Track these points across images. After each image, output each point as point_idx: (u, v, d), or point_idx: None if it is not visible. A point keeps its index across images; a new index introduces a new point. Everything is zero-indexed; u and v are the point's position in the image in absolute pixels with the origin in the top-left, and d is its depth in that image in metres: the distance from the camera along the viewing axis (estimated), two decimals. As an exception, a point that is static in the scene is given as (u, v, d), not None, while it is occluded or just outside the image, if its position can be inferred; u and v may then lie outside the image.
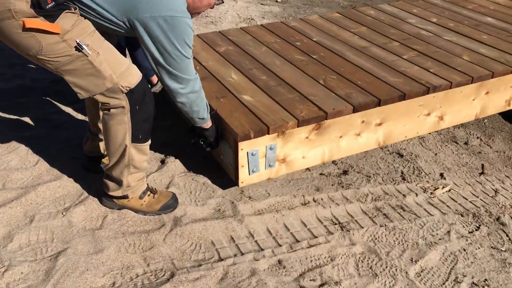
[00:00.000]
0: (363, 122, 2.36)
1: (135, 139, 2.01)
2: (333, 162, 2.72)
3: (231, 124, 2.13)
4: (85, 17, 1.83)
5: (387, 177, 2.62)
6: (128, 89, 1.90)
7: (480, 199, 2.56)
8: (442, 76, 2.51)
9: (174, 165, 2.56)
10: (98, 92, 1.87)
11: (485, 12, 3.36)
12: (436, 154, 2.88)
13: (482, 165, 2.83)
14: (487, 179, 2.74)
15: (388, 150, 2.88)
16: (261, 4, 5.92)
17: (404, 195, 2.48)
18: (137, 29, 1.80)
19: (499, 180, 2.74)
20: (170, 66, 1.87)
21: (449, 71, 2.56)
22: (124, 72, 1.88)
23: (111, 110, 1.94)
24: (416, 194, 2.50)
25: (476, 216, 2.40)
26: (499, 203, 2.52)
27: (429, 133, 3.20)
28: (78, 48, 1.77)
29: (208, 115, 2.12)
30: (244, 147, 2.12)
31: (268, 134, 2.14)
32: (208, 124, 2.14)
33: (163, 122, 2.90)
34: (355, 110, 2.29)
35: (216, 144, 2.24)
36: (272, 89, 2.42)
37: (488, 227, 2.33)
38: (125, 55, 2.47)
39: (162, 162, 2.58)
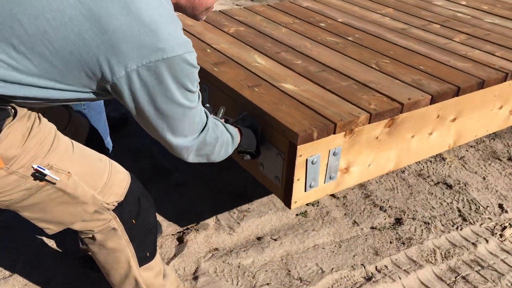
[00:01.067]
0: (438, 116, 1.77)
1: (142, 259, 1.34)
2: (381, 208, 2.27)
3: (284, 120, 1.44)
4: (32, 109, 1.13)
5: (446, 220, 2.23)
6: (116, 203, 1.22)
7: None
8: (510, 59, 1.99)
9: (197, 243, 1.90)
10: (77, 221, 1.20)
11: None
12: (484, 179, 2.56)
13: None
14: None
15: (432, 180, 2.50)
16: (236, 5, 5.33)
17: (473, 244, 2.09)
18: (116, 92, 1.10)
19: None
20: (169, 129, 1.18)
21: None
22: (107, 183, 1.20)
23: (97, 236, 1.25)
24: (486, 240, 2.11)
25: None
26: None
27: (467, 151, 2.81)
28: (39, 175, 1.09)
29: (236, 132, 1.41)
30: (304, 153, 1.45)
31: (334, 133, 1.48)
32: (238, 134, 1.43)
33: (176, 177, 2.26)
34: (433, 100, 1.69)
35: (257, 151, 1.55)
36: (316, 75, 1.76)
37: None
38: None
39: (180, 240, 1.91)
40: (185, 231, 2.00)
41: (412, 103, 1.63)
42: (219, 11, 2.33)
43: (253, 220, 2.11)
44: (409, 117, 1.67)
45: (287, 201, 1.54)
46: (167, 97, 1.11)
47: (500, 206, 2.38)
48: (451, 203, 2.38)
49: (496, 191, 2.49)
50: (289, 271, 1.84)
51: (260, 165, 1.60)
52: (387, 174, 2.58)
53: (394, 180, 2.52)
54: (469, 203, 2.39)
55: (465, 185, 2.51)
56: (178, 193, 2.28)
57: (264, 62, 1.83)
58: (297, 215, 2.19)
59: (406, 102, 1.61)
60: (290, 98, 1.58)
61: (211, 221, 2.09)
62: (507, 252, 2.05)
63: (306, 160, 1.46)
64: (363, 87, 1.70)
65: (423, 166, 2.67)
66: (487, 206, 2.37)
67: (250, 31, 2.11)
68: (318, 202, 2.31)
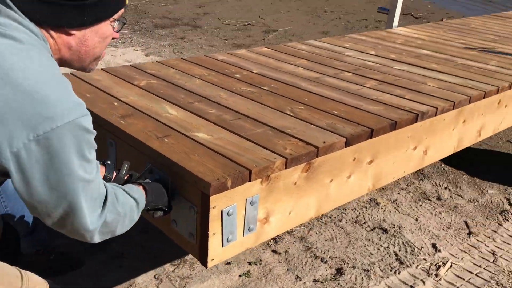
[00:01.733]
0: (354, 159, 1.74)
1: None
2: (322, 259, 2.28)
3: (195, 170, 1.34)
4: None
5: (384, 265, 2.29)
6: None
7: (484, 268, 2.35)
8: (423, 102, 2.03)
9: None
10: None
11: (416, 45, 3.09)
12: (417, 220, 2.68)
13: (466, 223, 2.69)
14: (478, 240, 2.56)
15: (369, 226, 2.58)
16: (145, 55, 5.28)
17: (411, 287, 2.15)
18: (5, 174, 0.97)
19: (489, 237, 2.59)
20: (66, 211, 1.03)
21: (426, 97, 2.10)
22: None
23: None
24: (423, 282, 2.19)
25: None
26: (504, 269, 2.33)
27: (399, 194, 2.93)
28: None
29: (140, 192, 1.27)
30: (218, 204, 1.33)
31: (249, 181, 1.39)
32: (142, 194, 1.28)
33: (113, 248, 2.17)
34: (348, 143, 1.66)
35: (169, 207, 1.41)
36: (231, 123, 1.69)
37: None
38: None
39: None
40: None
41: (327, 146, 1.59)
42: (130, 65, 2.25)
43: (196, 287, 2.01)
44: (326, 160, 1.62)
45: (203, 259, 1.40)
46: (63, 172, 0.97)
47: (434, 245, 2.46)
48: (387, 247, 2.42)
49: (429, 231, 2.58)
50: None
51: (173, 221, 1.46)
52: (325, 224, 2.56)
53: (333, 229, 2.51)
54: (405, 245, 2.45)
55: (399, 228, 2.58)
56: (117, 265, 2.12)
57: (175, 112, 1.74)
58: (240, 276, 2.09)
59: (321, 145, 1.57)
60: (202, 147, 1.49)
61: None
62: None
63: (221, 211, 1.35)
64: (279, 133, 1.64)
65: (359, 213, 2.68)
66: (422, 247, 2.44)
67: (163, 84, 2.03)
68: (260, 260, 2.24)
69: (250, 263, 2.23)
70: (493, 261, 2.40)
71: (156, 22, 7.02)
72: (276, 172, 1.45)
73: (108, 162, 1.34)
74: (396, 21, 3.63)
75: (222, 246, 1.41)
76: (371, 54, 2.79)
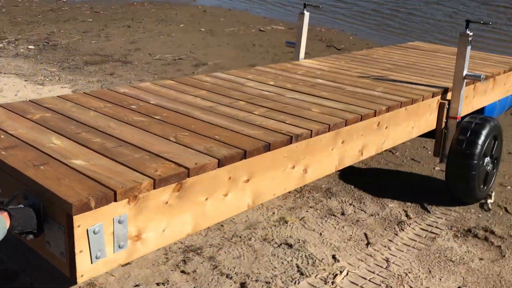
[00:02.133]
0: (230, 178, 1.89)
1: None
2: (227, 276, 2.42)
3: (61, 193, 1.45)
4: None
5: (286, 277, 2.45)
6: None
7: (377, 274, 2.55)
8: (301, 126, 2.23)
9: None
10: None
11: (315, 75, 3.33)
12: (321, 234, 2.86)
13: (365, 234, 2.88)
14: (375, 249, 2.76)
15: (276, 243, 2.75)
16: (72, 92, 5.33)
17: None
18: None
19: (385, 246, 2.80)
20: None
21: (305, 121, 2.30)
22: None
23: None
24: (332, 284, 2.41)
25: None
26: (395, 274, 2.55)
27: (307, 211, 3.12)
28: None
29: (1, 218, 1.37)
30: (82, 223, 1.44)
31: (115, 201, 1.51)
32: (6, 221, 1.38)
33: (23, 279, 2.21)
34: (220, 164, 1.82)
35: (38, 229, 1.51)
36: (111, 150, 1.81)
37: None
38: None
39: None
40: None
41: (198, 167, 1.74)
42: (29, 100, 2.35)
43: None
44: (199, 180, 1.76)
45: (72, 276, 1.50)
46: None
47: (333, 256, 2.67)
48: (291, 261, 2.60)
49: (331, 244, 2.78)
50: None
51: (47, 243, 1.55)
52: (235, 243, 2.71)
53: (242, 248, 2.67)
54: (307, 258, 2.64)
55: (304, 243, 2.76)
56: None
57: (60, 142, 1.85)
58: None
59: (192, 167, 1.71)
60: (76, 173, 1.60)
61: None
62: None
63: (87, 230, 1.46)
64: (155, 157, 1.78)
65: (268, 231, 2.86)
66: (322, 259, 2.64)
67: (56, 116, 2.14)
68: (168, 280, 2.36)
69: (158, 284, 2.34)
70: (386, 267, 2.62)
71: (86, 59, 7.08)
72: (144, 192, 1.58)
73: None
74: (302, 54, 3.90)
75: (91, 262, 1.51)
76: (269, 85, 3.01)
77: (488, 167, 3.22)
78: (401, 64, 3.93)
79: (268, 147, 2.01)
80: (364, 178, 3.66)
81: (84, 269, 1.50)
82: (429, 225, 3.05)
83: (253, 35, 9.39)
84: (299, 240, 2.78)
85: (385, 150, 4.19)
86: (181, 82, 2.95)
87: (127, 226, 1.57)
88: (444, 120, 3.11)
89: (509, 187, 3.63)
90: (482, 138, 3.01)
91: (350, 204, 3.24)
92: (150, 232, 1.66)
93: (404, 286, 2.43)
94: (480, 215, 3.21)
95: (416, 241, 2.87)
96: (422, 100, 2.88)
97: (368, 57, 4.21)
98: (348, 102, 2.68)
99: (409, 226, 3.00)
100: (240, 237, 2.78)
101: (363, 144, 2.56)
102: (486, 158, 3.18)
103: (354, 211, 3.15)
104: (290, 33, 9.70)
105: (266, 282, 2.39)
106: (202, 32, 9.46)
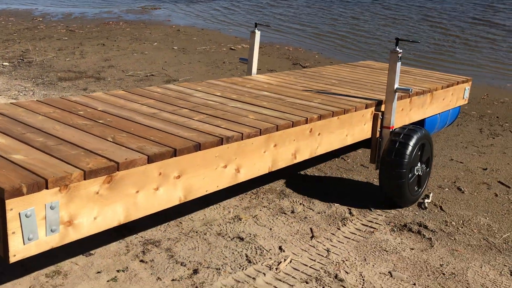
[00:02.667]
0: (160, 174, 2.09)
1: None
2: (182, 263, 2.64)
3: (-4, 180, 1.63)
4: None
5: (235, 264, 2.69)
6: None
7: (318, 261, 2.80)
8: (234, 129, 2.45)
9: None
10: None
11: (261, 88, 3.57)
12: (271, 229, 3.11)
13: (311, 229, 3.13)
14: (318, 241, 3.02)
15: (229, 237, 2.98)
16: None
17: (254, 278, 2.57)
18: None
19: (327, 239, 3.05)
20: None
21: (239, 126, 2.52)
22: None
23: None
24: (264, 274, 2.61)
25: (318, 279, 2.61)
26: (333, 261, 2.80)
27: (261, 210, 3.35)
28: None
29: None
30: (15, 206, 1.62)
31: (47, 188, 1.69)
32: None
33: None
34: (150, 160, 2.02)
35: None
36: (51, 147, 2.00)
37: (330, 287, 2.54)
38: None
39: None
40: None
41: (128, 162, 1.93)
42: (11, 103, 2.53)
43: None
44: (130, 174, 1.95)
45: (6, 255, 1.66)
46: None
47: (280, 247, 2.91)
48: (241, 251, 2.84)
49: (279, 237, 3.03)
50: None
51: (-16, 226, 1.72)
52: (191, 237, 2.91)
53: (197, 241, 2.91)
54: (256, 249, 2.87)
55: (254, 236, 3.00)
56: None
57: (3, 140, 2.03)
58: (108, 281, 2.46)
59: (122, 161, 1.91)
60: (13, 165, 1.78)
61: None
62: (279, 280, 2.58)
63: (19, 214, 1.64)
64: (90, 154, 1.97)
65: (223, 227, 3.08)
66: (270, 249, 2.88)
67: (5, 119, 2.32)
68: (127, 267, 2.58)
69: (118, 271, 2.54)
70: (326, 256, 2.84)
71: (60, 75, 7.25)
72: (74, 182, 1.77)
73: None
74: (254, 69, 4.14)
75: (24, 243, 1.68)
76: (215, 95, 3.23)
77: (420, 172, 3.47)
78: (346, 80, 4.20)
79: (198, 147, 2.21)
80: (315, 182, 3.90)
81: (17, 249, 1.67)
82: (369, 221, 3.30)
83: (223, 53, 9.68)
84: (251, 234, 3.00)
85: (337, 157, 4.48)
86: (131, 92, 3.16)
87: (58, 212, 1.75)
88: (379, 129, 3.36)
89: (446, 189, 3.91)
90: (411, 146, 3.27)
91: (300, 204, 3.46)
92: (82, 219, 1.84)
93: (340, 271, 2.67)
94: (417, 213, 3.46)
95: (356, 234, 3.11)
96: (355, 111, 3.13)
97: (317, 73, 4.48)
98: (284, 111, 2.91)
99: (351, 222, 3.25)
100: (197, 232, 2.99)
101: (296, 148, 2.79)
102: (417, 164, 3.43)
103: (303, 210, 3.39)
104: (259, 51, 10.03)
105: (217, 269, 2.61)
106: (174, 50, 9.72)
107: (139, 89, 3.26)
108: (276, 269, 2.65)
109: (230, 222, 3.13)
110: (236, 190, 3.57)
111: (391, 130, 3.35)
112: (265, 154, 2.60)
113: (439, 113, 4.25)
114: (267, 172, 2.67)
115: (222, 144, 2.32)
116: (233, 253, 2.79)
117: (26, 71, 7.39)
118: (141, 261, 2.64)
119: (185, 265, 2.63)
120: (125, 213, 2.00)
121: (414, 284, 2.63)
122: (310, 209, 3.39)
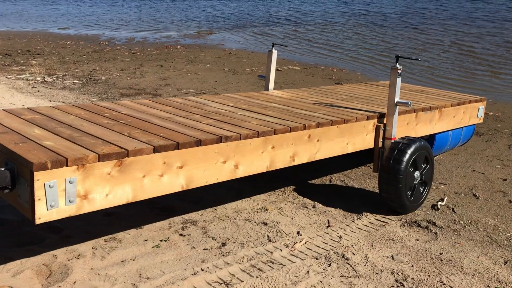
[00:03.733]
0: (164, 163, 2.49)
1: None
2: (213, 238, 3.14)
3: (26, 156, 2.10)
4: None
5: (257, 242, 3.14)
6: None
7: (329, 244, 3.17)
8: (234, 131, 2.83)
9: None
10: None
11: (272, 101, 3.93)
12: (292, 219, 3.53)
13: (328, 220, 3.51)
14: (332, 230, 3.40)
15: (255, 222, 3.43)
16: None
17: (271, 252, 3.01)
18: None
19: (341, 228, 3.44)
20: None
21: (240, 129, 2.89)
22: None
23: None
24: (281, 250, 3.04)
25: (327, 257, 2.99)
26: (343, 245, 3.17)
27: (286, 204, 3.81)
28: None
29: None
30: (41, 178, 2.08)
31: (67, 166, 2.14)
32: None
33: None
34: (156, 150, 2.43)
35: (12, 185, 2.15)
36: (76, 138, 2.48)
37: (337, 263, 2.92)
38: None
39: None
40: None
41: (136, 150, 2.36)
42: (27, 107, 3.10)
43: (119, 251, 2.93)
44: (137, 160, 2.37)
45: (33, 218, 2.12)
46: None
47: (298, 232, 3.32)
48: (264, 233, 3.28)
49: (298, 225, 3.44)
50: (141, 275, 2.69)
51: (18, 196, 2.20)
52: (223, 220, 3.44)
53: (227, 223, 3.41)
54: (277, 232, 3.31)
55: (277, 223, 3.44)
56: (67, 241, 2.99)
57: (39, 132, 2.53)
58: (152, 247, 3.01)
59: (131, 149, 2.34)
60: (43, 148, 2.25)
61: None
62: (293, 255, 3.00)
63: (44, 184, 2.09)
64: (106, 143, 2.42)
65: (250, 215, 3.56)
66: (289, 233, 3.30)
67: (43, 118, 2.84)
68: (168, 238, 3.14)
69: (161, 240, 3.09)
70: (337, 241, 3.23)
71: (122, 92, 7.99)
72: (90, 163, 2.21)
73: None
74: (271, 85, 4.53)
75: (47, 209, 2.13)
76: (228, 105, 3.63)
77: (417, 182, 3.66)
78: (356, 96, 4.47)
79: (199, 143, 2.61)
80: (339, 186, 4.29)
81: (41, 213, 2.12)
82: (382, 217, 3.63)
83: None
84: (274, 221, 3.44)
85: (363, 165, 4.74)
86: (154, 101, 3.64)
87: (76, 187, 2.19)
88: (381, 140, 3.61)
89: (462, 195, 4.13)
90: (408, 154, 3.48)
91: (322, 202, 3.84)
92: (96, 194, 2.27)
93: (348, 252, 3.04)
94: (428, 213, 3.75)
95: (368, 226, 3.46)
96: (356, 121, 3.41)
97: (332, 90, 4.78)
98: (286, 119, 3.25)
99: (366, 217, 3.60)
100: (228, 216, 3.49)
101: (294, 151, 3.11)
102: (416, 173, 3.62)
103: (324, 206, 3.77)
104: (304, 72, 10.40)
105: (241, 244, 3.09)
106: (225, 71, 10.33)
107: (162, 99, 3.73)
108: (292, 247, 3.05)
109: (257, 212, 3.60)
110: (265, 188, 4.06)
111: (392, 141, 3.59)
112: (263, 155, 2.94)
113: (450, 130, 4.39)
114: (265, 170, 3.01)
115: (221, 142, 2.70)
116: (256, 233, 3.24)
117: (92, 88, 8.24)
118: (180, 234, 3.17)
119: (215, 239, 3.12)
120: (133, 193, 2.41)
121: (412, 266, 2.93)
122: (330, 206, 3.77)
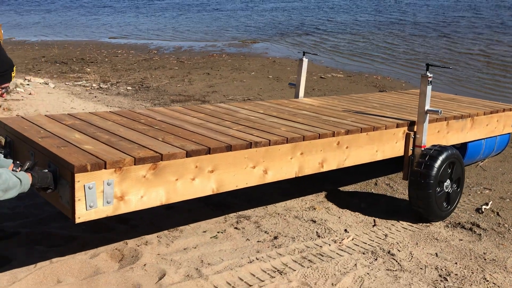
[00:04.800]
0: (196, 167, 2.61)
1: None
2: (266, 232, 3.36)
3: (68, 159, 2.29)
4: None
5: (307, 237, 3.34)
6: None
7: (375, 242, 3.34)
8: (263, 137, 2.92)
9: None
10: None
11: (302, 108, 3.99)
12: (339, 218, 3.71)
13: (374, 220, 3.67)
14: (378, 229, 3.56)
15: (304, 219, 3.63)
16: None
17: (320, 246, 3.20)
18: None
19: (387, 228, 3.58)
20: None
21: (269, 135, 2.99)
22: None
23: None
24: (329, 245, 3.23)
25: (373, 252, 3.15)
26: (389, 242, 3.33)
27: (332, 203, 4.00)
28: None
29: (25, 176, 2.25)
30: (81, 179, 2.25)
31: (105, 168, 2.31)
32: (27, 177, 2.26)
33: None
34: (188, 155, 2.56)
35: (54, 186, 2.35)
36: (114, 142, 2.66)
37: (383, 258, 3.07)
38: None
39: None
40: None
41: (170, 154, 2.49)
42: (67, 113, 3.34)
43: (181, 241, 3.21)
44: (171, 164, 2.50)
45: (73, 217, 2.29)
46: None
47: (345, 230, 3.49)
48: (313, 229, 3.48)
49: (346, 223, 3.61)
50: (202, 261, 2.94)
51: (60, 197, 2.38)
52: (274, 216, 3.64)
53: (278, 220, 3.62)
54: (325, 229, 3.48)
55: (325, 221, 3.61)
56: (134, 231, 3.33)
57: (79, 136, 2.73)
58: (211, 237, 3.30)
59: (165, 153, 2.48)
60: (83, 152, 2.43)
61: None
62: (341, 250, 3.19)
63: (84, 185, 2.27)
64: (142, 147, 2.57)
65: (300, 213, 3.75)
66: (337, 230, 3.48)
67: (82, 123, 3.05)
68: (225, 230, 3.39)
69: (218, 232, 3.35)
70: (383, 238, 3.38)
71: (172, 98, 8.33)
72: (126, 166, 2.37)
73: (17, 162, 2.35)
74: (301, 92, 4.58)
75: (86, 209, 2.30)
76: (258, 112, 3.72)
77: (449, 189, 3.61)
78: (387, 104, 4.46)
79: (230, 148, 2.72)
80: (384, 188, 4.40)
81: (81, 213, 2.29)
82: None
83: (314, 81, 10.20)
84: (322, 219, 3.61)
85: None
86: (187, 108, 3.79)
87: (113, 188, 2.36)
88: (411, 148, 3.60)
89: (507, 200, 4.15)
90: (439, 162, 3.45)
91: (368, 202, 3.98)
92: (131, 196, 2.43)
93: (393, 249, 3.19)
94: (473, 215, 3.81)
95: (413, 226, 3.59)
96: (386, 129, 3.43)
97: (363, 98, 4.79)
98: (315, 126, 3.31)
99: (411, 218, 3.70)
100: (279, 213, 3.71)
101: (323, 158, 3.16)
102: (447, 181, 3.58)
103: (370, 206, 3.91)
104: (347, 80, 10.37)
105: (292, 238, 3.30)
106: (269, 78, 10.47)
107: (193, 106, 3.88)
108: (340, 243, 3.25)
109: (306, 210, 3.79)
110: (313, 189, 4.25)
111: (422, 149, 3.57)
112: (291, 161, 3.02)
113: (483, 139, 4.30)
114: (293, 176, 3.08)
115: (250, 148, 2.80)
116: (306, 230, 3.43)
117: (145, 94, 8.62)
118: (235, 228, 3.42)
119: (268, 233, 3.35)
120: (166, 196, 2.55)
121: (456, 263, 3.04)
122: (376, 207, 3.90)
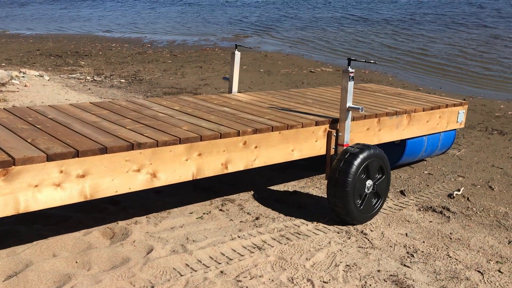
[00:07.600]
0: (62, 172, 2.37)
1: None
2: (248, 213, 3.49)
3: None
4: None
5: (287, 218, 3.48)
6: None
7: (404, 203, 3.72)
8: (153, 137, 2.66)
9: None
10: None
11: (226, 105, 3.74)
12: (318, 202, 3.84)
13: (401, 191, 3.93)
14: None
15: (285, 203, 3.76)
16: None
17: (298, 226, 3.35)
18: None
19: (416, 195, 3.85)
20: None
21: (161, 135, 2.73)
22: None
23: None
24: (307, 225, 3.39)
25: (347, 232, 3.30)
26: (363, 224, 3.43)
27: (313, 189, 4.06)
28: None
29: None
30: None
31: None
32: None
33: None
34: (50, 158, 2.31)
35: None
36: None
37: (356, 237, 3.23)
38: None
39: None
40: None
41: (25, 158, 2.24)
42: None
43: (168, 221, 3.33)
44: (28, 169, 2.25)
45: None
46: None
47: (323, 213, 3.57)
48: (293, 211, 3.61)
49: (324, 207, 3.68)
50: (187, 238, 3.08)
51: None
52: (257, 200, 3.71)
53: (261, 202, 3.73)
54: (305, 212, 3.61)
55: (305, 204, 3.73)
56: (126, 212, 3.46)
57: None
58: (196, 218, 3.41)
59: (18, 157, 2.23)
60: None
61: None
62: (318, 229, 3.31)
63: None
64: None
65: (282, 197, 3.85)
66: (315, 213, 3.58)
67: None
68: (210, 212, 3.52)
69: (203, 213, 3.49)
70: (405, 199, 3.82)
71: (165, 90, 8.26)
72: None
73: None
74: (235, 87, 4.31)
75: None
76: (173, 109, 3.48)
77: (369, 190, 3.31)
78: (322, 100, 4.16)
79: (104, 150, 2.46)
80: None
81: None
82: (401, 202, 3.90)
83: (303, 75, 9.94)
84: (302, 203, 3.76)
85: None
86: (96, 104, 3.52)
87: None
88: (333, 147, 3.31)
89: (478, 186, 4.28)
90: (358, 160, 3.15)
91: (398, 191, 4.11)
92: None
93: (366, 229, 3.32)
94: (444, 200, 3.96)
95: (386, 210, 3.73)
96: (302, 127, 3.14)
97: (300, 94, 4.49)
98: (221, 124, 3.04)
99: (386, 204, 3.82)
100: (262, 197, 3.86)
101: (227, 159, 2.89)
102: (368, 181, 3.28)
103: (398, 199, 3.98)
104: (336, 73, 10.05)
105: (272, 218, 3.44)
106: (260, 72, 10.25)
107: (107, 102, 3.60)
108: (317, 223, 3.40)
109: (288, 195, 3.94)
110: (295, 175, 4.40)
111: (345, 147, 3.27)
112: (187, 162, 2.75)
113: (425, 136, 3.98)
114: (191, 179, 2.81)
115: (133, 149, 2.54)
116: (286, 212, 3.58)
117: (138, 87, 8.55)
118: (220, 210, 3.57)
119: (250, 214, 3.50)
120: (24, 204, 2.26)
121: (423, 242, 3.21)
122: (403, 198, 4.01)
